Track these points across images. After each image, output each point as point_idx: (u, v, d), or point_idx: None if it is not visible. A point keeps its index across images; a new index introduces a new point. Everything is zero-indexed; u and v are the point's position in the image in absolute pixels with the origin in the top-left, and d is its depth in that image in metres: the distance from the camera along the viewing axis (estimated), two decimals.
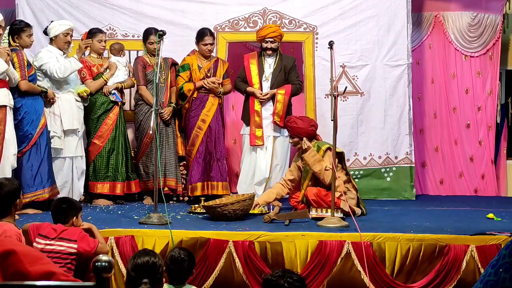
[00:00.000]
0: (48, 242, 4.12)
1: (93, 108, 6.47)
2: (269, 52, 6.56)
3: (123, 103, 6.70)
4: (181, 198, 6.79)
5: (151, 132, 6.05)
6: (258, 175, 6.54)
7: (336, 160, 5.73)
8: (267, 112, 6.54)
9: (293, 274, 3.05)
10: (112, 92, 6.48)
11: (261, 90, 6.53)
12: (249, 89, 6.56)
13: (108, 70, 6.55)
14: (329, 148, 5.81)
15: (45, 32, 6.27)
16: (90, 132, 6.50)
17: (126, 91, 6.86)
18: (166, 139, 6.59)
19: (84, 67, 6.44)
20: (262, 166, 6.53)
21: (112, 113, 6.50)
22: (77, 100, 6.28)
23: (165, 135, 6.58)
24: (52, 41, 6.22)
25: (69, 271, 4.04)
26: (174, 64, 6.79)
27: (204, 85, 6.54)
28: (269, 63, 6.61)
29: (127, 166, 6.61)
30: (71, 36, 6.28)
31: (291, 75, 6.59)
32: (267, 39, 6.52)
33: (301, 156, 5.96)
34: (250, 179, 6.59)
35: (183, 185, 6.78)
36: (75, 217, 4.33)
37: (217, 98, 6.65)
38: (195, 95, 6.59)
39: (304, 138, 5.91)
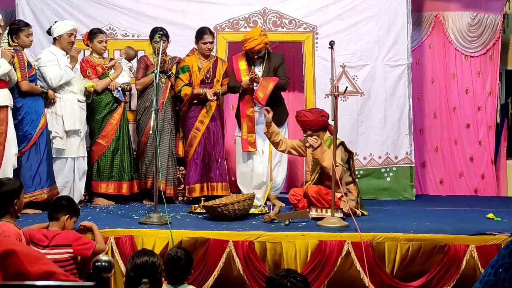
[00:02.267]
0: (41, 251, 4.06)
1: (98, 108, 6.47)
2: (258, 59, 6.52)
3: (126, 102, 6.71)
4: (180, 199, 6.76)
5: (151, 132, 6.04)
6: (255, 179, 6.50)
7: (345, 158, 5.76)
8: (261, 117, 6.41)
9: (297, 275, 3.05)
10: (118, 88, 6.50)
11: (253, 89, 6.42)
12: (244, 81, 6.40)
13: (113, 70, 6.57)
14: (341, 144, 5.77)
15: (49, 32, 6.27)
16: (94, 132, 6.50)
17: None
18: (160, 139, 6.52)
19: (88, 66, 6.46)
20: (259, 171, 6.49)
21: (117, 113, 6.51)
22: (79, 101, 6.27)
23: (161, 135, 6.50)
24: (55, 41, 6.22)
25: (73, 275, 4.04)
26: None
27: (203, 96, 6.45)
28: (258, 65, 6.54)
29: (131, 165, 6.60)
30: (75, 36, 6.29)
31: (278, 70, 6.49)
32: (254, 52, 6.44)
33: (312, 152, 5.77)
34: (248, 182, 6.55)
35: (182, 186, 6.75)
36: (68, 216, 4.32)
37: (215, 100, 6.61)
38: (195, 101, 6.54)
39: (310, 138, 5.69)
